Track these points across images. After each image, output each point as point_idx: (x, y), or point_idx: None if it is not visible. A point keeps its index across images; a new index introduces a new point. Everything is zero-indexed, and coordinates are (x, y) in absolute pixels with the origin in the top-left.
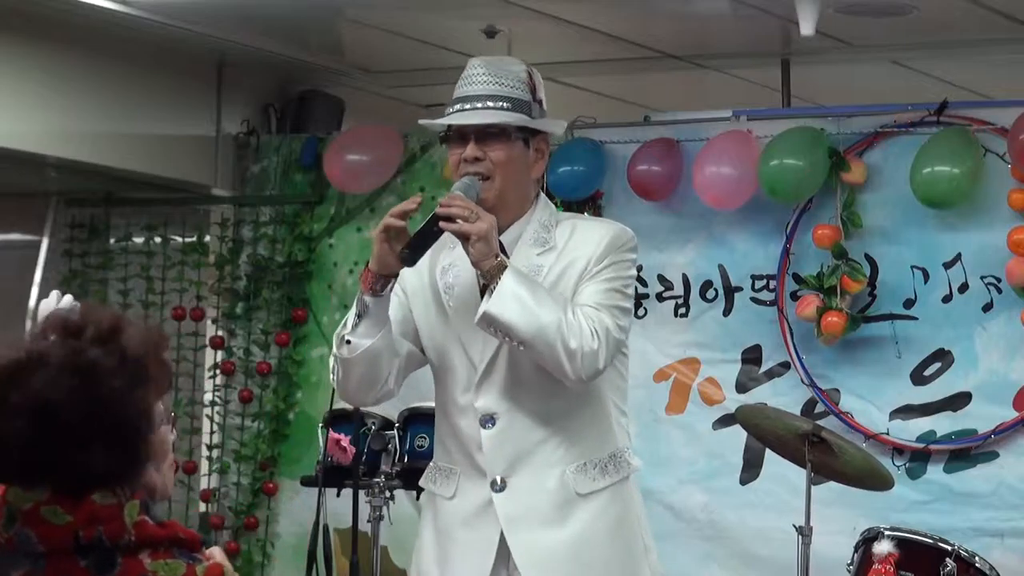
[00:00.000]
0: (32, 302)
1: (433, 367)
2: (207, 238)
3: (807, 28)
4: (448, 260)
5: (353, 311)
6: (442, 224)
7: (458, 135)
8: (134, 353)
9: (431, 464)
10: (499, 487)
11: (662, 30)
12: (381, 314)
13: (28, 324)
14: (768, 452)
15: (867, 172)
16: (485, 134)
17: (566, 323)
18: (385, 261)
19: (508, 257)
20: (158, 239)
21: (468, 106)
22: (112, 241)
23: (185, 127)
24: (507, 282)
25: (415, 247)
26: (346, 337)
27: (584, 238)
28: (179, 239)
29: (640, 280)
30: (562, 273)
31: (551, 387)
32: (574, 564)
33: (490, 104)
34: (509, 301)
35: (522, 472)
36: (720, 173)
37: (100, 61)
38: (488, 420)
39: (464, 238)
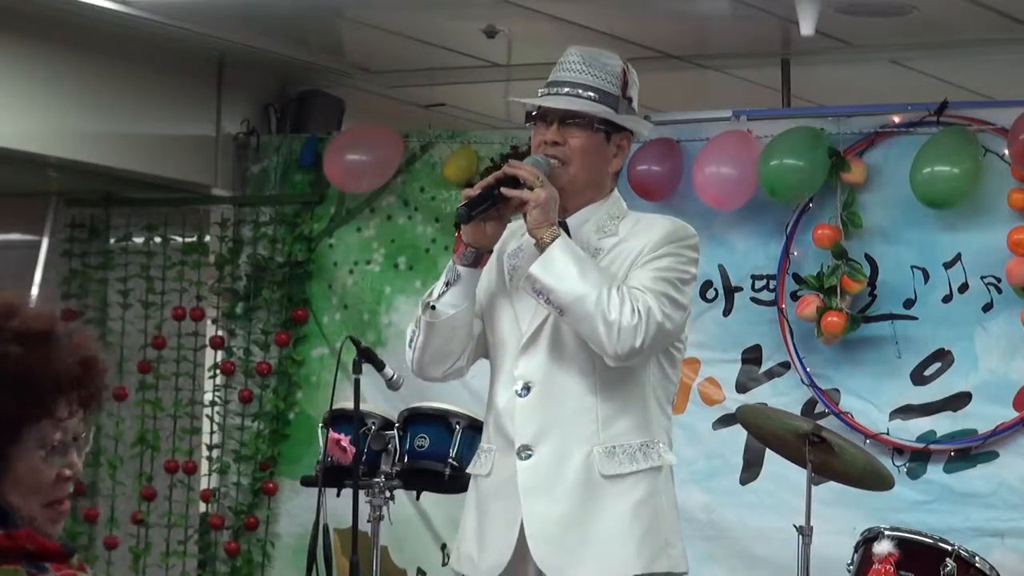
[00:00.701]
0: (32, 302)
1: (489, 346)
2: (207, 238)
3: (807, 28)
4: (516, 244)
5: (443, 279)
6: (503, 189)
7: (542, 117)
8: (14, 361)
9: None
10: (525, 456)
11: (662, 30)
12: (469, 286)
13: None
14: (768, 452)
15: (867, 172)
16: (568, 120)
17: (607, 296)
18: (471, 232)
19: (570, 236)
20: (158, 239)
21: (557, 91)
22: (112, 241)
23: (185, 127)
24: (556, 249)
25: (472, 205)
26: (431, 303)
27: (645, 228)
28: (179, 239)
29: None
30: (616, 256)
31: (592, 365)
32: (580, 543)
33: (580, 92)
34: (554, 265)
35: (549, 443)
36: (720, 173)
37: (100, 61)
38: (524, 388)
39: (522, 205)
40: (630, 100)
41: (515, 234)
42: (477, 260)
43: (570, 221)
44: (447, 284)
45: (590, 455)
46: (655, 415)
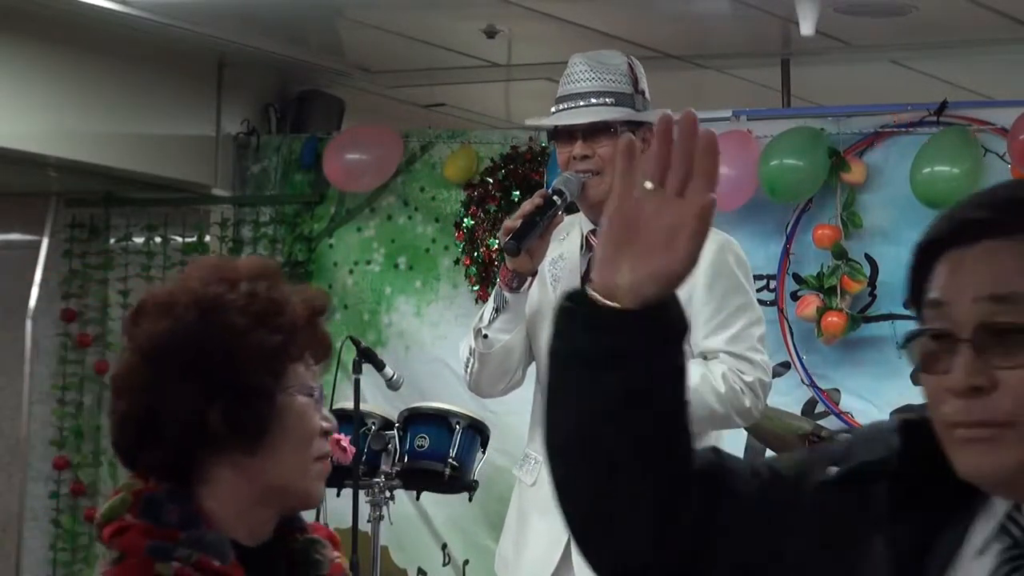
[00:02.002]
0: (32, 302)
1: (532, 352)
2: (207, 238)
3: (807, 28)
4: (558, 251)
5: (491, 305)
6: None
7: (566, 133)
8: (269, 294)
9: (524, 452)
10: None
11: (662, 30)
12: (519, 310)
13: (28, 324)
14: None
15: (867, 172)
16: (592, 131)
17: (712, 396)
18: (517, 260)
19: None
20: (158, 239)
21: (573, 104)
22: (112, 241)
23: (185, 127)
24: None
25: (519, 237)
26: (484, 331)
27: None
28: (179, 239)
29: None
30: None
31: None
32: None
33: (594, 101)
34: None
35: None
36: (720, 173)
37: (100, 61)
38: None
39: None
40: (643, 93)
41: (555, 239)
42: (521, 284)
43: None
44: (496, 311)
45: None
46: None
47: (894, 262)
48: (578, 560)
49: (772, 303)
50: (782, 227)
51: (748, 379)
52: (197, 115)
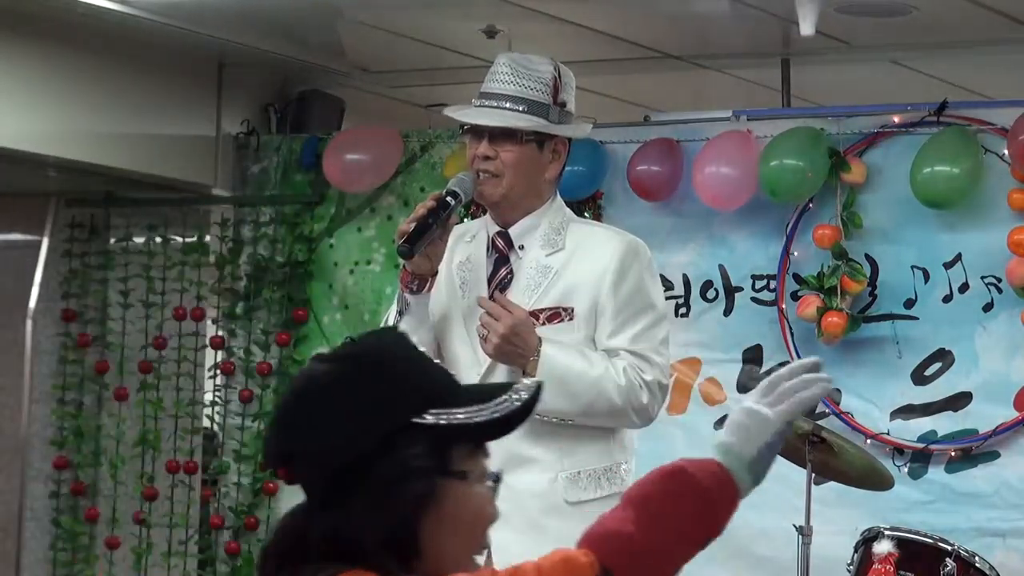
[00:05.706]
0: (32, 302)
1: (442, 358)
2: (207, 238)
3: (807, 28)
4: (465, 254)
5: (394, 308)
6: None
7: (475, 130)
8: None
9: None
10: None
11: (662, 30)
12: (421, 311)
13: (28, 324)
14: None
15: (867, 172)
16: (499, 134)
17: (613, 389)
18: (416, 262)
19: (515, 248)
20: (158, 239)
21: (487, 104)
22: (112, 241)
23: (185, 127)
24: (543, 373)
25: (412, 240)
26: None
27: (593, 246)
28: (179, 239)
29: None
30: (573, 283)
31: None
32: None
33: (507, 105)
34: (550, 393)
35: (516, 471)
36: (720, 173)
37: (100, 61)
38: None
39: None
40: (563, 105)
41: (461, 239)
42: (422, 286)
43: (512, 232)
44: (400, 314)
45: (555, 482)
46: (617, 434)
47: (894, 262)
48: (497, 559)
49: (772, 303)
50: (782, 227)
51: (647, 377)
52: (197, 115)
